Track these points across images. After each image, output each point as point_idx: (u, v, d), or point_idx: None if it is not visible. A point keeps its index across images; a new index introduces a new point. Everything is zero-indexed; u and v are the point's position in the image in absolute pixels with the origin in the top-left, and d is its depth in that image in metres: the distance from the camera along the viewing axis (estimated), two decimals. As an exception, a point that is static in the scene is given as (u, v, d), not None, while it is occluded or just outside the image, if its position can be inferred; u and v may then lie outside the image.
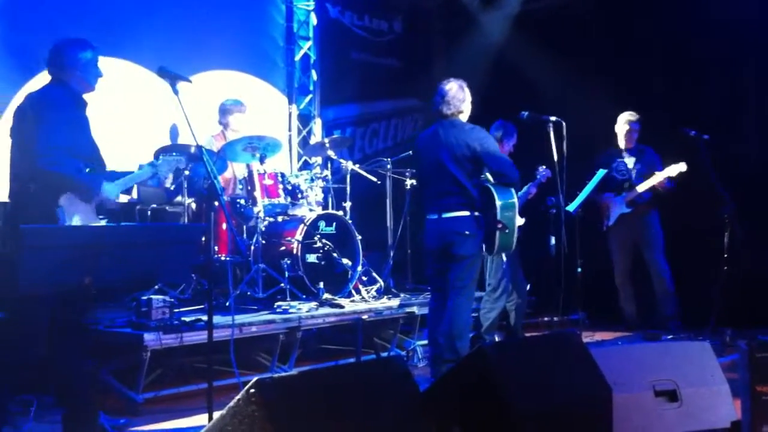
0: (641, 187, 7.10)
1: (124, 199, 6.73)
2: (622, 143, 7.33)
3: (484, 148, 5.30)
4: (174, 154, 4.48)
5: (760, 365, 3.28)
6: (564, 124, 5.91)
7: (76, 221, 3.89)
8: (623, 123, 7.31)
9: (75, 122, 4.08)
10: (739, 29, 7.50)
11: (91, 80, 4.20)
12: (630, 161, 7.30)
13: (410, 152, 6.34)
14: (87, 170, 4.04)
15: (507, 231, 5.37)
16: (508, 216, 5.38)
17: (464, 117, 5.46)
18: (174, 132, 7.26)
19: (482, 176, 5.47)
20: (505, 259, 6.24)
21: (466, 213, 5.30)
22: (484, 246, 5.40)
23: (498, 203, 5.36)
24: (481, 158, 5.32)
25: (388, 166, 7.65)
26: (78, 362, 3.96)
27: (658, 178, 7.01)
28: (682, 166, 6.90)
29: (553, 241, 6.62)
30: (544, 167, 6.42)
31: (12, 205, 4.03)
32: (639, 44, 8.13)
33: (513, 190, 5.47)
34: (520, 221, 5.86)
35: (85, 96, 4.21)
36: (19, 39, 6.44)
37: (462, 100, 5.41)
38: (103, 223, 4.09)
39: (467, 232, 5.27)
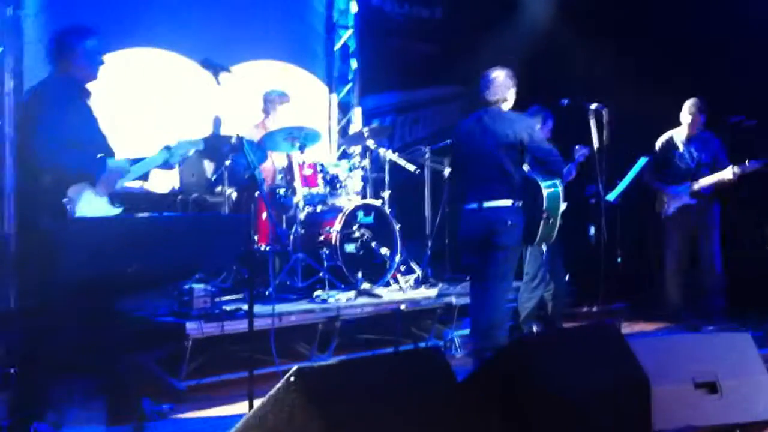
0: (705, 181, 6.91)
1: (166, 188, 6.86)
2: (685, 130, 7.06)
3: (532, 138, 5.30)
4: (189, 139, 4.46)
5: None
6: (605, 111, 5.86)
7: (85, 210, 3.89)
8: (690, 109, 7.01)
9: (77, 113, 4.05)
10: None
11: (92, 69, 4.15)
12: (693, 150, 7.07)
13: (449, 141, 6.33)
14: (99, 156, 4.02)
15: (551, 221, 5.36)
16: (553, 206, 5.37)
17: (507, 105, 5.46)
18: (216, 122, 7.34)
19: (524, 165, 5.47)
20: (545, 249, 6.22)
21: (509, 202, 5.29)
22: (523, 236, 5.39)
23: (545, 193, 5.35)
24: (529, 147, 5.31)
25: (427, 155, 7.64)
26: (118, 349, 4.03)
27: (726, 175, 6.77)
28: (764, 165, 6.67)
29: (592, 230, 6.58)
30: (580, 146, 6.33)
31: (21, 199, 4.05)
32: (686, 29, 7.94)
33: (558, 180, 5.46)
34: (562, 206, 5.84)
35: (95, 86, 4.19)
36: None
37: (508, 87, 5.41)
38: (118, 211, 4.07)
39: (510, 222, 5.26)
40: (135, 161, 4.25)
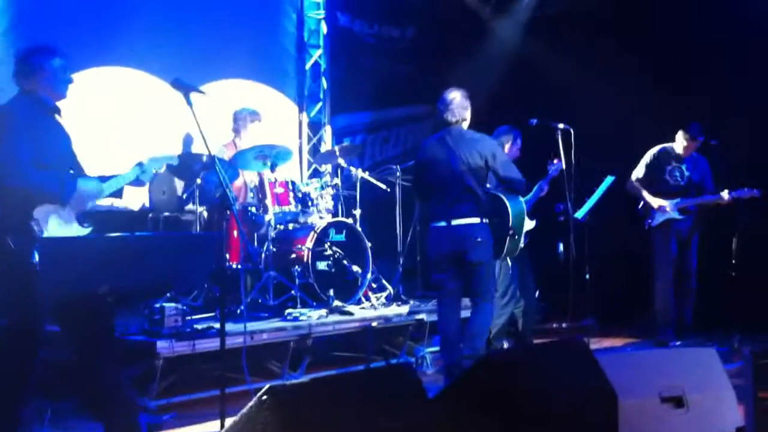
0: (700, 201, 7.12)
1: (136, 206, 6.84)
2: (680, 149, 7.23)
3: (495, 157, 5.47)
4: (162, 154, 4.47)
5: (763, 372, 3.32)
6: (572, 131, 5.96)
7: (53, 231, 3.86)
8: (692, 133, 7.16)
9: (44, 133, 4.01)
10: (748, 28, 7.50)
11: (60, 88, 4.11)
12: (685, 168, 7.23)
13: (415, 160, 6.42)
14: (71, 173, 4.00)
15: (516, 237, 5.54)
16: (518, 223, 5.57)
17: (466, 125, 5.61)
18: (187, 141, 7.34)
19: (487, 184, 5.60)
20: (510, 263, 6.30)
21: (477, 220, 5.41)
22: (492, 251, 5.51)
23: (510, 210, 5.55)
24: (493, 167, 5.46)
25: (398, 174, 7.70)
26: (112, 368, 4.02)
27: (722, 198, 6.97)
28: (756, 193, 6.87)
29: (561, 247, 6.67)
30: (555, 160, 6.43)
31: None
32: (652, 47, 8.12)
33: (521, 198, 5.68)
34: (530, 224, 5.99)
35: (63, 103, 4.14)
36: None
37: (465, 108, 5.57)
38: (86, 231, 4.04)
39: (479, 239, 5.38)
40: (106, 179, 4.24)
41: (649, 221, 7.22)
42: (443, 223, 5.45)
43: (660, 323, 7.16)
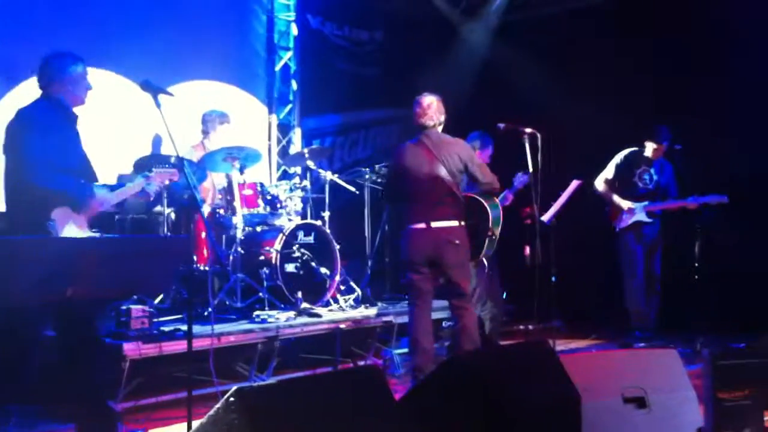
0: (668, 205, 7.24)
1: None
2: (649, 153, 7.36)
3: (472, 161, 5.61)
4: (166, 166, 4.54)
5: (721, 372, 3.39)
6: (539, 135, 6.02)
7: (69, 233, 3.95)
8: (660, 137, 7.30)
9: (64, 137, 4.13)
10: (725, 35, 7.65)
11: (80, 93, 4.25)
12: (654, 172, 7.38)
13: (387, 163, 6.51)
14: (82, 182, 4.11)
15: (493, 238, 5.76)
16: (496, 224, 5.79)
17: (440, 129, 5.68)
18: (156, 142, 7.31)
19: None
20: (486, 263, 6.37)
21: (456, 223, 5.52)
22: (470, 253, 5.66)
23: (490, 213, 5.77)
24: (471, 170, 5.59)
25: (367, 176, 7.73)
26: (93, 371, 4.04)
27: (689, 204, 7.06)
28: (723, 200, 6.95)
29: (528, 250, 6.75)
30: (521, 173, 6.55)
31: (7, 220, 4.08)
32: (621, 54, 8.22)
33: (497, 200, 5.88)
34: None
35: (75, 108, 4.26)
36: (1, 50, 6.48)
37: (442, 112, 5.67)
38: (96, 235, 4.15)
39: (457, 241, 5.48)
40: (114, 188, 4.34)
41: (618, 223, 7.33)
42: (422, 225, 5.50)
43: (635, 324, 7.30)
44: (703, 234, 6.93)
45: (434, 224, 5.48)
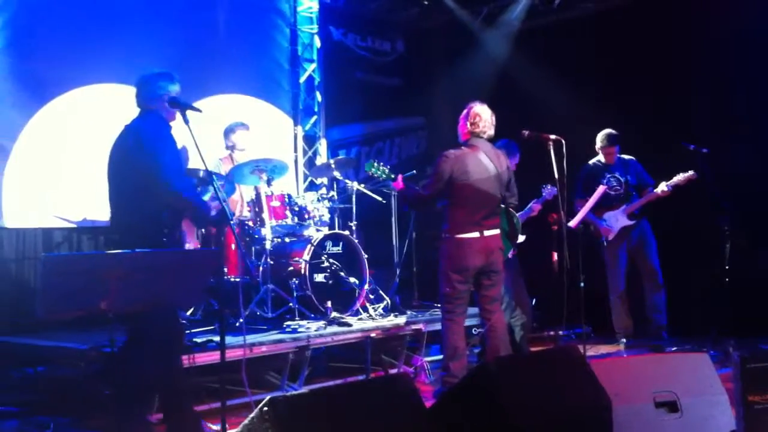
0: (642, 203, 7.22)
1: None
2: (604, 159, 7.44)
3: (511, 174, 5.82)
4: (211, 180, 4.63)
5: (752, 375, 3.38)
6: (564, 142, 6.02)
7: (189, 245, 4.13)
8: (603, 142, 7.39)
9: (178, 152, 4.37)
10: (729, 46, 7.68)
11: (173, 112, 4.41)
12: (618, 175, 7.40)
13: (414, 171, 6.59)
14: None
15: (514, 243, 5.97)
16: (520, 230, 6.12)
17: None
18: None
19: None
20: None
21: (498, 231, 5.69)
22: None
23: (516, 220, 6.03)
24: (510, 182, 5.81)
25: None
26: (183, 374, 4.35)
27: (660, 191, 7.09)
28: (691, 175, 6.97)
29: (555, 257, 6.74)
30: (550, 186, 6.56)
31: (133, 237, 4.17)
32: (638, 60, 8.25)
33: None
34: (521, 238, 6.11)
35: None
36: (28, 67, 6.62)
37: (494, 123, 5.77)
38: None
39: (501, 248, 5.68)
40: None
41: (607, 235, 7.32)
42: (476, 234, 5.55)
43: (617, 332, 7.43)
44: (732, 236, 6.87)
45: (487, 233, 5.56)
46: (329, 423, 2.91)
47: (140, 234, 4.18)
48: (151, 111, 4.37)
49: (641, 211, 7.33)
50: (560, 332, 7.43)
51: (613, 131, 7.39)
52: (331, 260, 6.67)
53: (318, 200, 6.94)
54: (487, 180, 5.56)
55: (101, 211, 5.72)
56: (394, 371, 6.48)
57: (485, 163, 5.59)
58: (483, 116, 5.65)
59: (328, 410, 2.96)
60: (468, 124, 5.68)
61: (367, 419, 3.03)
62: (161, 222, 4.22)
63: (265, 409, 2.78)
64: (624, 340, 7.37)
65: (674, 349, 6.87)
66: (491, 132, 5.71)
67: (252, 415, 2.81)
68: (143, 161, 4.19)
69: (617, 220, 7.31)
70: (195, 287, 4.02)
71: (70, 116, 6.87)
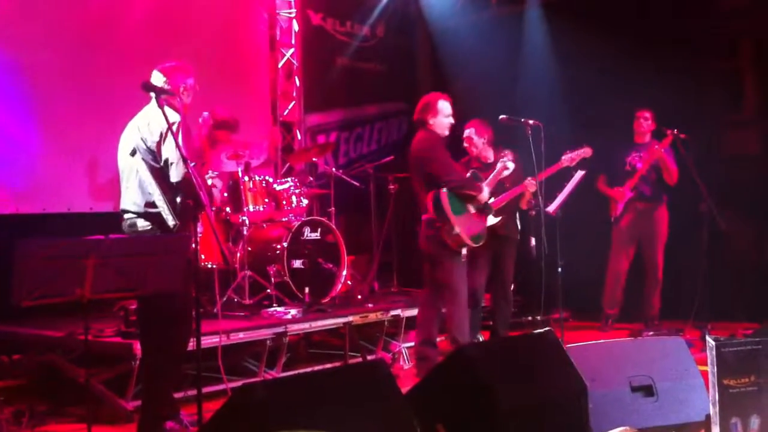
0: (643, 167, 7.33)
1: (109, 209, 6.81)
2: (636, 137, 7.53)
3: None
4: None
5: (726, 359, 3.41)
6: (542, 126, 6.02)
7: None
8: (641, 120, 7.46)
9: None
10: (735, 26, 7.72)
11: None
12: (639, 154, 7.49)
13: (392, 156, 6.57)
14: None
15: None
16: None
17: None
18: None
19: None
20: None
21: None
22: None
23: None
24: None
25: (371, 171, 7.74)
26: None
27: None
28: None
29: (533, 242, 6.74)
30: (531, 178, 6.35)
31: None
32: (624, 42, 8.18)
33: None
34: (494, 220, 6.08)
35: None
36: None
37: None
38: None
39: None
40: None
41: (615, 214, 7.43)
42: None
43: (606, 312, 7.60)
44: (710, 221, 6.91)
45: None
46: (306, 409, 2.89)
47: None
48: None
49: (655, 197, 7.40)
50: (538, 317, 7.45)
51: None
52: (309, 246, 6.64)
53: (296, 186, 6.90)
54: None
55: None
56: (371, 357, 6.48)
57: None
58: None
59: (304, 396, 2.94)
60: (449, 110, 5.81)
61: (345, 405, 3.02)
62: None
63: (241, 395, 2.76)
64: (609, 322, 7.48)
65: (651, 334, 6.90)
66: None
67: (227, 402, 2.79)
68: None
69: (624, 195, 7.43)
70: (168, 272, 3.97)
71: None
